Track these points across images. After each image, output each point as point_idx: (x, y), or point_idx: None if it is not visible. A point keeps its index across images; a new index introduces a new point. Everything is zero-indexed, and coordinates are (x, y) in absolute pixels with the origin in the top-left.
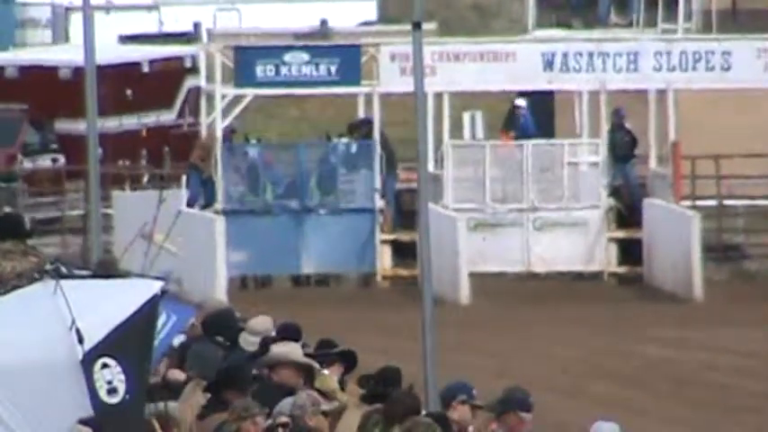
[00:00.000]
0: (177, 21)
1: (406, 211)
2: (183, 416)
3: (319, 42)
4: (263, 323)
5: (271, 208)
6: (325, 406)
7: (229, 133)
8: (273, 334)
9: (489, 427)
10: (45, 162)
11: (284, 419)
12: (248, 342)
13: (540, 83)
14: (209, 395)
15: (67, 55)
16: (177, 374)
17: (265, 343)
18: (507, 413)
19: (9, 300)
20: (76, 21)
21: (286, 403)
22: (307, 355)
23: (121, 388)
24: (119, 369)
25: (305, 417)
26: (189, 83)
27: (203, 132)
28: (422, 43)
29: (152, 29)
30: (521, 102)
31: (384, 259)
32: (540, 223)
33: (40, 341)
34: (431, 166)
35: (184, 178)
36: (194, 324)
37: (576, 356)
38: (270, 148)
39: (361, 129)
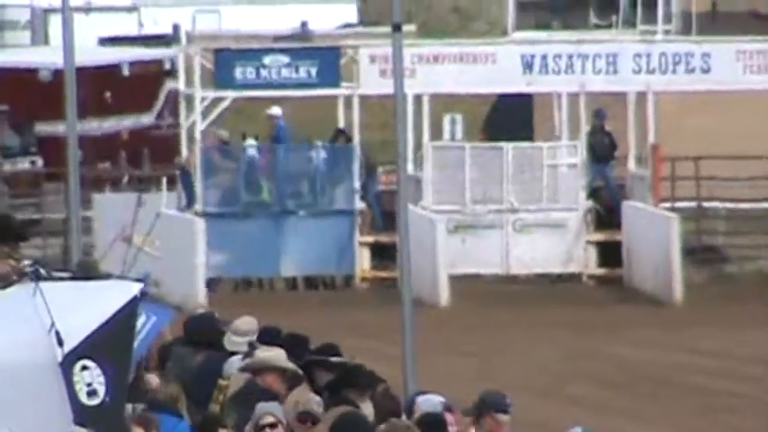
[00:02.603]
0: (156, 23)
1: (385, 213)
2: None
3: (299, 45)
4: (248, 323)
5: (250, 210)
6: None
7: (222, 144)
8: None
9: (468, 430)
10: (24, 164)
11: (271, 420)
12: (233, 343)
13: (520, 85)
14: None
15: (47, 57)
16: (153, 379)
17: (251, 347)
18: (484, 416)
19: None
20: (56, 22)
21: (269, 404)
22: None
23: (101, 390)
24: (98, 371)
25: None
26: (168, 85)
27: (189, 135)
28: (401, 45)
29: (131, 31)
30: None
31: (363, 261)
32: (520, 225)
33: (19, 343)
34: (410, 168)
35: (165, 181)
36: (163, 332)
37: (555, 358)
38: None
39: (338, 138)
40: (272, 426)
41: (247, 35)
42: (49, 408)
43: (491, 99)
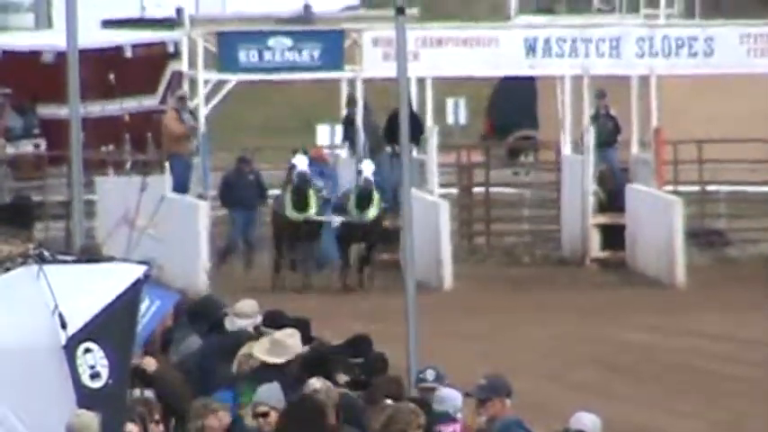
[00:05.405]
0: (160, 6)
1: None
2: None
3: (302, 27)
4: (250, 306)
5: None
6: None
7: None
8: (260, 320)
9: (476, 417)
10: (27, 147)
11: (264, 409)
12: (235, 326)
13: (523, 68)
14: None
15: (50, 39)
16: (150, 362)
17: (258, 331)
18: (492, 400)
19: None
20: (59, 5)
21: (263, 391)
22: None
23: (104, 373)
24: (102, 354)
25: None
26: (172, 68)
27: (169, 121)
28: (405, 28)
29: (135, 13)
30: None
31: None
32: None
33: (23, 326)
34: (414, 152)
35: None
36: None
37: (559, 342)
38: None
39: (351, 106)
40: (264, 415)
41: (250, 18)
42: (53, 390)
43: (494, 83)
